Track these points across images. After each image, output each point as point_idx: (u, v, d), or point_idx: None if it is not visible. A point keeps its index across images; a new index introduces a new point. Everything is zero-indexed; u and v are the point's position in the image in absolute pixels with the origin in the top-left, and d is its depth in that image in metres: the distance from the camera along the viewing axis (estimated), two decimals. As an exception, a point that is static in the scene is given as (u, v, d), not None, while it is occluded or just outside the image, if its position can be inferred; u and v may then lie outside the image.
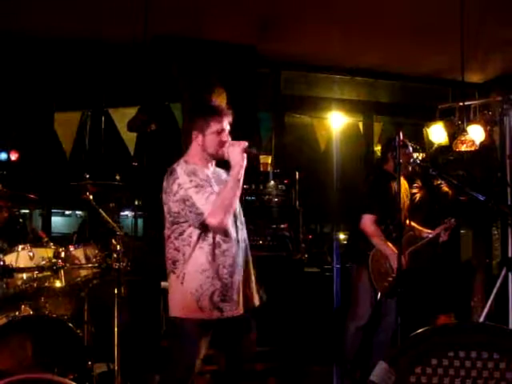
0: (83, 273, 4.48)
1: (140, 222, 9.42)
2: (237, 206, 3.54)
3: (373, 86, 7.89)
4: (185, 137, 3.66)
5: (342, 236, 7.70)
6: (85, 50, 6.53)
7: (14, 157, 7.95)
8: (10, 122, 7.47)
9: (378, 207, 4.80)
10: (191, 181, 3.39)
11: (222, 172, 3.69)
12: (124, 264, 4.36)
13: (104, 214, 4.48)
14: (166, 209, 3.50)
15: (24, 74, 6.75)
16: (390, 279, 4.77)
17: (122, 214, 8.52)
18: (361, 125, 8.18)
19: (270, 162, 5.85)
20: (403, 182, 4.87)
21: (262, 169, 5.82)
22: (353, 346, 4.93)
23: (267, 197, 5.57)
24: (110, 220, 4.44)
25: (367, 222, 4.79)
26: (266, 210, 5.55)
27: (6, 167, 7.60)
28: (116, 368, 4.29)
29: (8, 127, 7.60)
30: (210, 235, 3.41)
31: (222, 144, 3.48)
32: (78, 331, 4.27)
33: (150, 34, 5.49)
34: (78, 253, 4.51)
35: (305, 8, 5.71)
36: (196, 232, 3.40)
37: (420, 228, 5.19)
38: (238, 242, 3.52)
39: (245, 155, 3.41)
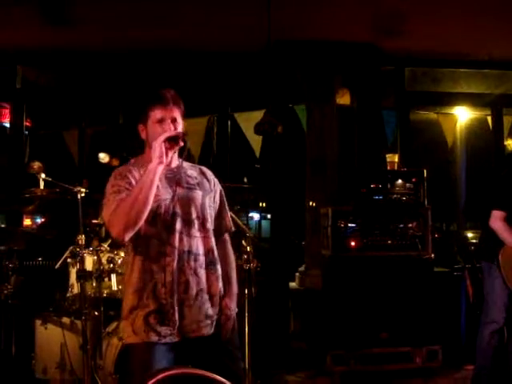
0: (215, 273, 4.60)
1: (264, 223, 9.57)
2: (192, 208, 3.03)
3: (502, 77, 7.56)
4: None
5: (469, 234, 7.46)
6: (210, 58, 6.72)
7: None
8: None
9: (508, 203, 4.60)
10: (113, 185, 2.92)
11: (194, 172, 3.17)
12: (254, 265, 4.44)
13: (234, 216, 4.57)
14: None
15: (152, 84, 7.03)
16: (527, 278, 4.53)
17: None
18: (489, 119, 7.87)
19: (396, 160, 5.75)
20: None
21: (388, 167, 5.74)
22: (486, 351, 4.72)
23: (395, 196, 5.48)
24: (239, 222, 4.53)
25: (495, 218, 4.60)
26: (393, 209, 5.46)
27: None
28: (247, 366, 4.38)
29: (137, 134, 7.93)
30: (144, 247, 2.94)
31: (163, 137, 2.86)
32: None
33: (273, 38, 5.56)
34: (210, 254, 4.62)
35: (427, 2, 5.58)
36: (129, 244, 2.96)
37: None
38: (184, 252, 2.96)
39: (162, 149, 2.81)
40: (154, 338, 2.87)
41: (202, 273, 2.99)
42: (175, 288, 2.90)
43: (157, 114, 2.99)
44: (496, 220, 4.59)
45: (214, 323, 3.02)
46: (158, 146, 2.80)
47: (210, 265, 3.03)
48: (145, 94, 3.12)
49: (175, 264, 2.91)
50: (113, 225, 2.82)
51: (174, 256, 2.92)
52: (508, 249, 4.54)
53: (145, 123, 3.04)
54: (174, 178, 3.01)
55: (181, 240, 2.95)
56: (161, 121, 2.98)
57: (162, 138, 2.83)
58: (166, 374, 1.95)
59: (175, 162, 3.07)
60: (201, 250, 3.01)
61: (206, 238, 3.05)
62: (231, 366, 3.04)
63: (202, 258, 3.00)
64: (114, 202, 2.84)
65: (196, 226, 3.01)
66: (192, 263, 2.96)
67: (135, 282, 2.92)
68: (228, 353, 3.07)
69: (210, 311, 3.01)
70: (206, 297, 2.99)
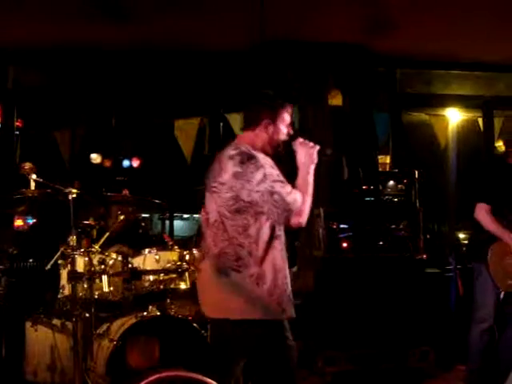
0: (207, 275, 4.59)
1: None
2: None
3: (493, 79, 7.60)
4: (249, 122, 3.30)
5: (461, 235, 7.47)
6: (201, 58, 6.72)
7: (135, 163, 8.26)
8: (131, 130, 7.78)
9: (493, 197, 4.59)
10: (278, 174, 3.13)
11: None
12: (246, 265, 4.43)
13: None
14: (228, 194, 3.11)
15: (145, 84, 7.03)
16: (516, 277, 4.53)
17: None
18: (480, 120, 7.91)
19: (388, 161, 5.78)
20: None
21: (380, 169, 5.76)
22: (477, 350, 4.73)
23: (387, 197, 5.51)
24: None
25: (480, 211, 4.59)
26: (385, 210, 5.48)
27: (129, 174, 7.91)
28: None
29: (129, 135, 7.92)
30: (282, 233, 3.21)
31: (285, 137, 3.29)
32: (202, 331, 4.35)
33: (264, 39, 5.57)
34: (202, 255, 4.62)
35: (419, 4, 5.59)
36: (268, 229, 3.12)
37: None
38: None
39: (315, 158, 3.26)
40: (293, 313, 3.18)
41: None
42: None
43: (287, 116, 3.27)
44: (481, 212, 4.57)
45: None
46: (309, 155, 3.23)
47: None
48: (279, 92, 3.32)
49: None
50: (304, 213, 3.20)
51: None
52: (496, 248, 4.55)
53: (273, 120, 3.24)
54: None
55: None
56: (288, 124, 3.28)
57: (312, 150, 3.24)
58: (157, 376, 1.95)
59: None
60: None
61: None
62: None
63: None
64: (293, 192, 3.13)
65: None
66: None
67: (278, 264, 3.14)
68: None
69: None
70: None
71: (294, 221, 3.20)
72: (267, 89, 3.35)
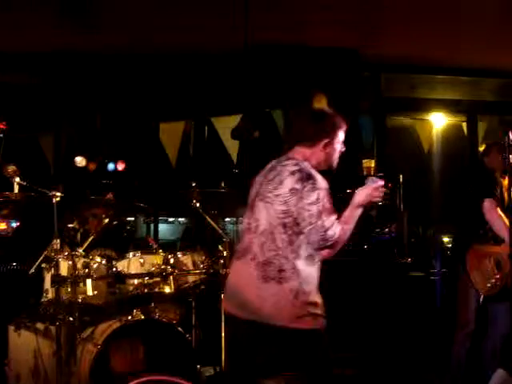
0: (191, 278, 4.59)
1: (241, 228, 9.54)
2: None
3: (477, 84, 7.66)
4: (305, 139, 3.30)
5: (445, 239, 7.51)
6: (186, 62, 6.72)
7: (120, 167, 8.25)
8: (116, 134, 7.77)
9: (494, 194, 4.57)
10: (329, 201, 3.16)
11: None
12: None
13: (211, 220, 4.57)
14: (281, 207, 3.14)
15: (130, 88, 7.02)
16: (493, 280, 4.53)
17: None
18: (464, 125, 7.97)
19: (373, 165, 5.79)
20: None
21: (365, 173, 5.77)
22: (460, 353, 4.75)
23: (371, 201, 5.52)
24: (216, 226, 4.52)
25: (489, 206, 4.46)
26: (369, 214, 5.50)
27: (114, 177, 7.89)
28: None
29: (114, 138, 7.90)
30: (317, 253, 3.24)
31: (339, 155, 3.33)
32: (187, 335, 4.36)
33: (250, 42, 5.57)
34: (186, 259, 4.62)
35: (405, 10, 5.63)
36: (307, 247, 3.17)
37: None
38: None
39: (370, 204, 3.34)
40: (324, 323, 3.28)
41: None
42: None
43: (343, 134, 3.30)
44: (490, 208, 4.44)
45: None
46: (368, 196, 3.30)
47: None
48: (335, 111, 3.36)
49: None
50: (337, 247, 3.22)
51: None
52: (473, 253, 4.56)
53: (331, 139, 3.27)
54: None
55: None
56: (342, 141, 3.30)
57: (378, 192, 3.31)
58: (140, 380, 1.94)
59: None
60: None
61: None
62: None
63: None
64: (335, 225, 3.13)
65: None
66: None
67: (312, 283, 3.24)
68: None
69: None
70: None
71: (325, 253, 3.27)
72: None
